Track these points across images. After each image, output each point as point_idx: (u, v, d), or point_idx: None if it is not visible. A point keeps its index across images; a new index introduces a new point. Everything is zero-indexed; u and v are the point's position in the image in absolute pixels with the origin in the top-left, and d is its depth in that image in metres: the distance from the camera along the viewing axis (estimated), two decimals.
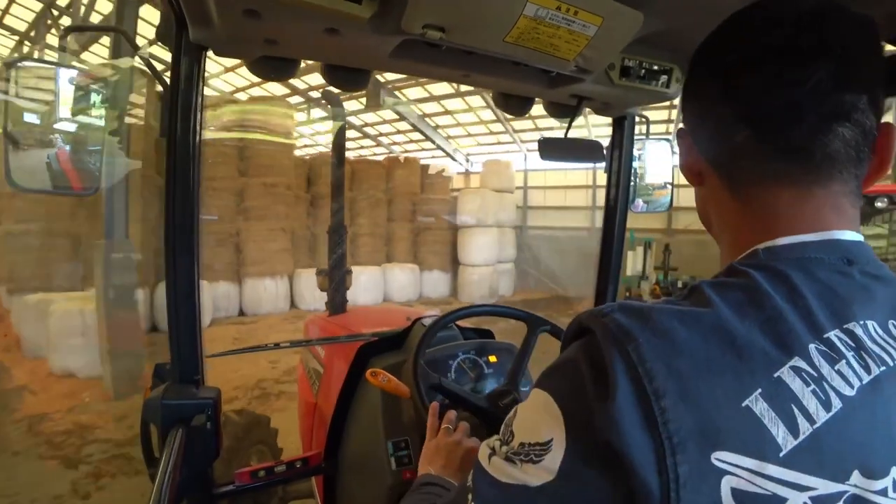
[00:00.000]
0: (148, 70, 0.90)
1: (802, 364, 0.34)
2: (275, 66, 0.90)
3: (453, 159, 12.83)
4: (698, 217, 0.55)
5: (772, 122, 0.42)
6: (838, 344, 0.35)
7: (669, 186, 1.29)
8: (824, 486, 0.32)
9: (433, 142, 11.95)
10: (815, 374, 0.34)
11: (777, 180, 0.43)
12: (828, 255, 0.40)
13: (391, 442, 1.13)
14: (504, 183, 11.11)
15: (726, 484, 0.31)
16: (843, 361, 0.35)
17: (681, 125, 0.52)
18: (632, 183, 1.30)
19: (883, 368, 0.36)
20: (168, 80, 0.88)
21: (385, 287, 9.78)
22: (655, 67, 0.94)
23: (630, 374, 0.33)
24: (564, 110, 1.13)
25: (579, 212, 11.96)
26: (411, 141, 12.88)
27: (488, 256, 10.39)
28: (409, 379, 1.03)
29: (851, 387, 0.34)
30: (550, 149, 1.17)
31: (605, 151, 1.26)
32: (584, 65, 0.81)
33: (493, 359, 1.25)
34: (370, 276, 9.37)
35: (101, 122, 0.83)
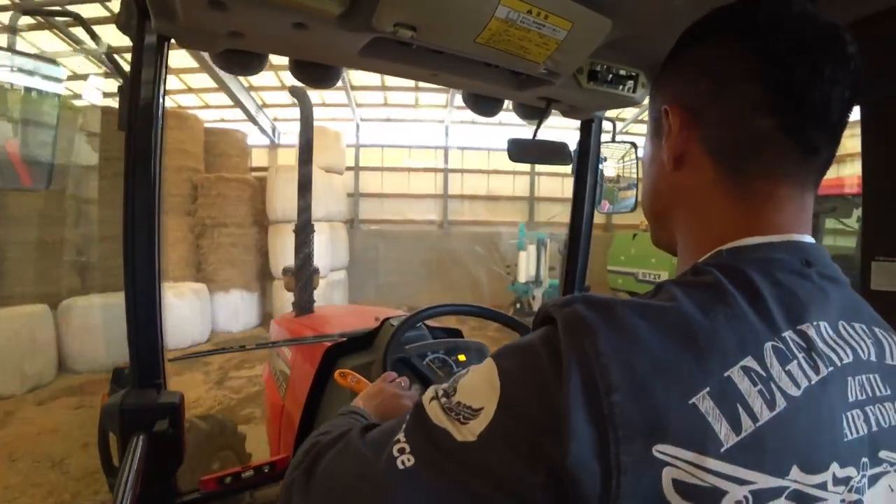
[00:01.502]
0: (107, 60, 0.86)
1: (753, 364, 0.35)
2: (240, 59, 0.87)
3: (256, 124, 8.71)
4: (647, 204, 0.52)
5: (806, 116, 0.41)
6: (791, 344, 0.37)
7: (634, 188, 1.32)
8: (763, 481, 0.33)
9: (232, 96, 7.68)
10: (764, 375, 0.35)
11: (783, 176, 0.42)
12: (788, 257, 0.41)
13: None
14: (332, 161, 7.63)
15: (667, 475, 0.32)
16: (794, 362, 0.36)
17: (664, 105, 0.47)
18: (598, 184, 1.34)
19: (831, 369, 0.37)
20: (128, 71, 0.84)
21: None
22: (622, 72, 0.97)
23: (583, 368, 0.33)
24: (533, 112, 1.15)
25: (428, 201, 9.50)
26: (190, 90, 8.14)
27: (319, 264, 6.79)
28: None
29: (798, 387, 0.35)
30: (519, 150, 1.19)
31: (572, 153, 1.29)
32: (553, 68, 0.83)
33: (462, 357, 1.26)
34: (122, 307, 4.30)
35: (55, 112, 0.79)
